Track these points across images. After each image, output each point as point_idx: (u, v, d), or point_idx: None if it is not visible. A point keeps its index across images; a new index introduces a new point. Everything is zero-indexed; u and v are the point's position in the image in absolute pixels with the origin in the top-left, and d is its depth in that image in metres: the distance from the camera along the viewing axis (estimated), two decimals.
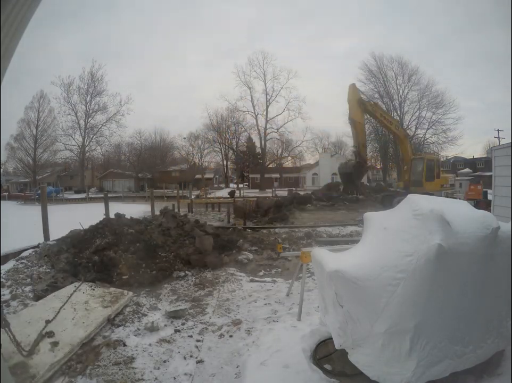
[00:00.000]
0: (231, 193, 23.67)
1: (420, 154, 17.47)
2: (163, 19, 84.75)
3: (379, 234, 2.53)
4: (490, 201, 7.98)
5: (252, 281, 5.19)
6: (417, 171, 14.16)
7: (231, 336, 3.38)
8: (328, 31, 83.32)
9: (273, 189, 32.66)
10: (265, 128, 45.35)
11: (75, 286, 4.18)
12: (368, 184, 30.17)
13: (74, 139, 43.56)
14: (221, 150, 50.13)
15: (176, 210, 15.12)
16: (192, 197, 22.80)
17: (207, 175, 48.43)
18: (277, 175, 46.07)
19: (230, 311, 4.04)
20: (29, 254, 6.21)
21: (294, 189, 29.42)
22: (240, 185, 45.68)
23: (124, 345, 3.14)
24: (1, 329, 3.35)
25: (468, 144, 78.57)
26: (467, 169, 41.98)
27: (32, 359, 2.66)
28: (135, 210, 18.81)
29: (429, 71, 52.22)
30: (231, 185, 52.04)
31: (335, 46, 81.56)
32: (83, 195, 33.89)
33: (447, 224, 2.06)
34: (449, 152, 42.17)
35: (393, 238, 2.33)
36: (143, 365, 2.85)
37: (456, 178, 33.88)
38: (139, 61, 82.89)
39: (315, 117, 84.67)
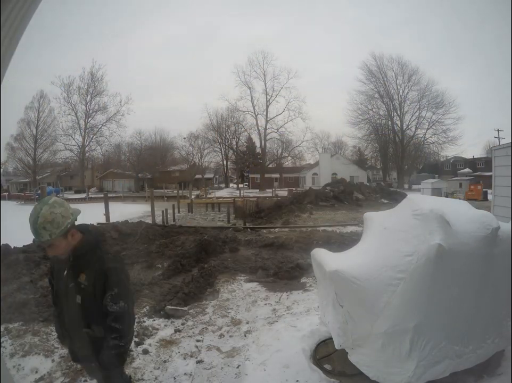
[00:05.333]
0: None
1: None
2: (163, 19, 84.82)
3: (379, 234, 2.53)
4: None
5: (251, 281, 5.18)
6: None
7: (231, 336, 3.38)
8: (329, 30, 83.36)
9: (273, 189, 32.67)
10: (265, 128, 45.43)
11: None
12: (367, 184, 30.17)
13: (74, 139, 43.73)
14: (221, 150, 50.17)
15: (176, 210, 15.18)
16: (192, 197, 22.81)
17: (207, 175, 48.44)
18: (277, 175, 46.06)
19: (230, 311, 4.04)
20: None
21: (294, 189, 29.41)
22: (240, 185, 45.68)
23: None
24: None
25: (468, 144, 78.65)
26: (467, 169, 42.04)
27: None
28: (135, 210, 18.84)
29: (429, 71, 52.18)
30: (231, 185, 52.06)
31: (335, 45, 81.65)
32: (83, 195, 33.92)
33: (447, 224, 2.06)
34: (449, 152, 42.30)
35: (393, 238, 2.33)
36: (143, 365, 2.85)
37: (456, 178, 34.09)
38: (140, 61, 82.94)
39: (315, 117, 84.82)
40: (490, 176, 7.30)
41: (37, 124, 41.88)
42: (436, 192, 21.95)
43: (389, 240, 2.35)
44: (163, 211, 13.26)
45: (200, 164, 48.29)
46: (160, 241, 7.55)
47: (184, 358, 2.96)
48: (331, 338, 2.50)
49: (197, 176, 46.17)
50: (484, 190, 22.21)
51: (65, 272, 1.67)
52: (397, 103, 42.89)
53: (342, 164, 42.74)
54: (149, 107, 79.51)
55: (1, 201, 24.16)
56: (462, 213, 2.31)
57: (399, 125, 42.90)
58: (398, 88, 42.56)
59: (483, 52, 67.94)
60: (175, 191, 23.54)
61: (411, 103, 42.39)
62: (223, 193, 34.98)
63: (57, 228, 1.53)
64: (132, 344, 3.15)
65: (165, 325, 3.61)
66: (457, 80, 63.29)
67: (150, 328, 3.52)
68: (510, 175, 5.93)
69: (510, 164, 5.96)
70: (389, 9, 78.76)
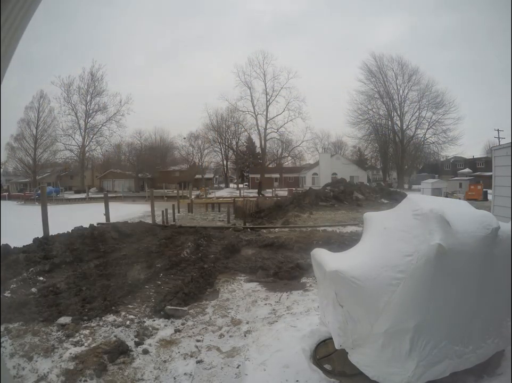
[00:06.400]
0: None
1: None
2: (163, 19, 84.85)
3: (379, 234, 2.53)
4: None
5: (251, 281, 5.18)
6: None
7: (231, 336, 3.38)
8: (329, 30, 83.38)
9: (273, 189, 32.68)
10: (265, 128, 45.47)
11: None
12: (367, 184, 30.16)
13: (74, 139, 43.76)
14: (221, 150, 50.17)
15: (176, 210, 15.18)
16: (192, 197, 22.81)
17: (207, 175, 48.43)
18: (277, 175, 46.06)
19: (230, 311, 4.04)
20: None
21: (294, 189, 29.42)
22: (240, 185, 45.67)
23: (125, 345, 3.14)
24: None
25: (468, 144, 78.64)
26: (467, 169, 42.07)
27: None
28: (136, 210, 18.84)
29: (429, 71, 52.27)
30: (231, 185, 52.05)
31: (335, 45, 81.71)
32: (83, 195, 33.91)
33: (447, 224, 2.06)
34: (449, 152, 42.28)
35: (393, 238, 2.33)
36: (143, 365, 2.85)
37: (456, 178, 34.09)
38: (139, 62, 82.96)
39: (315, 117, 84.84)
40: (490, 176, 7.30)
41: (37, 124, 41.91)
42: (436, 192, 21.94)
43: (389, 240, 2.35)
44: (163, 212, 13.24)
45: (200, 164, 48.27)
46: (160, 241, 7.55)
47: (184, 358, 2.96)
48: (331, 338, 2.50)
49: (197, 176, 46.15)
50: (484, 190, 22.20)
51: None
52: (397, 103, 42.90)
53: (342, 164, 42.70)
54: (149, 107, 79.55)
55: (1, 201, 24.16)
56: (462, 213, 2.31)
57: (399, 125, 42.91)
58: (398, 88, 42.60)
59: (483, 52, 67.98)
60: (175, 191, 23.54)
61: (411, 103, 42.43)
62: (223, 193, 34.97)
63: None
64: (132, 344, 3.17)
65: (165, 325, 3.61)
66: (457, 79, 63.33)
67: (150, 328, 3.52)
68: (510, 175, 5.93)
69: (510, 164, 5.96)
70: (390, 9, 78.83)
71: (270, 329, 3.44)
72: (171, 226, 10.92)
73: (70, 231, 8.17)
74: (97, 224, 9.82)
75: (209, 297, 4.52)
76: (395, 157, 43.67)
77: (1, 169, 43.00)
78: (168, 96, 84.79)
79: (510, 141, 6.61)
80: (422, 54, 65.84)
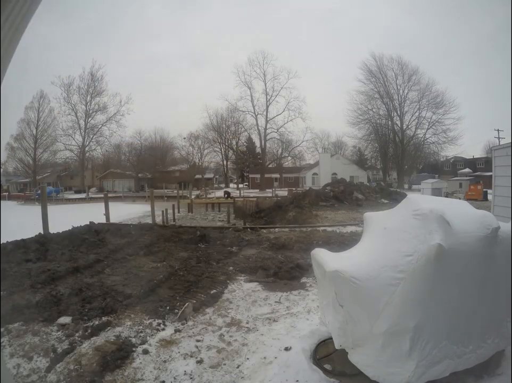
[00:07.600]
0: (227, 194, 23.15)
1: None
2: (163, 20, 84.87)
3: (379, 234, 2.53)
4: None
5: (251, 281, 5.18)
6: None
7: (231, 336, 3.38)
8: (329, 30, 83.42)
9: (273, 189, 32.69)
10: (265, 128, 45.42)
11: None
12: (367, 184, 30.15)
13: (74, 139, 43.76)
14: (221, 150, 50.19)
15: (176, 210, 15.20)
16: (192, 197, 22.82)
17: (207, 175, 48.43)
18: (277, 175, 46.05)
19: (230, 311, 4.04)
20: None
21: (294, 189, 29.41)
22: (240, 185, 45.68)
23: (125, 345, 3.14)
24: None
25: (468, 144, 78.74)
26: (467, 169, 42.08)
27: None
28: (136, 210, 18.86)
29: (429, 71, 52.33)
30: (231, 185, 52.06)
31: (335, 45, 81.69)
32: (83, 195, 33.91)
33: (447, 224, 2.06)
34: (449, 152, 42.23)
35: (393, 238, 2.33)
36: (143, 365, 2.85)
37: (456, 178, 34.10)
38: (139, 62, 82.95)
39: (315, 117, 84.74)
40: (490, 176, 7.29)
41: (37, 124, 41.94)
42: (436, 192, 21.93)
43: (389, 240, 2.35)
44: (163, 211, 13.24)
45: (200, 164, 48.26)
46: (160, 241, 7.55)
47: (184, 358, 2.96)
48: (331, 338, 2.50)
49: (197, 176, 46.13)
50: (484, 190, 22.20)
51: None
52: (397, 103, 42.89)
53: (342, 164, 42.64)
54: (149, 107, 79.56)
55: (1, 201, 24.19)
56: (462, 213, 2.32)
57: (399, 125, 42.90)
58: (398, 88, 42.59)
59: (483, 52, 67.94)
60: (175, 191, 23.55)
61: (411, 103, 42.41)
62: (223, 193, 34.94)
63: None
64: (133, 344, 3.16)
65: (165, 325, 3.61)
66: (457, 80, 63.38)
67: (150, 328, 3.52)
68: (510, 175, 5.93)
69: (510, 164, 5.96)
70: (389, 9, 78.91)
71: (270, 329, 3.45)
72: (171, 226, 10.92)
73: (70, 231, 8.18)
74: (97, 224, 9.82)
75: (209, 296, 4.51)
76: (395, 157, 43.65)
77: (1, 169, 43.05)
78: (168, 96, 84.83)
79: (510, 141, 6.61)
80: (422, 53, 65.84)
